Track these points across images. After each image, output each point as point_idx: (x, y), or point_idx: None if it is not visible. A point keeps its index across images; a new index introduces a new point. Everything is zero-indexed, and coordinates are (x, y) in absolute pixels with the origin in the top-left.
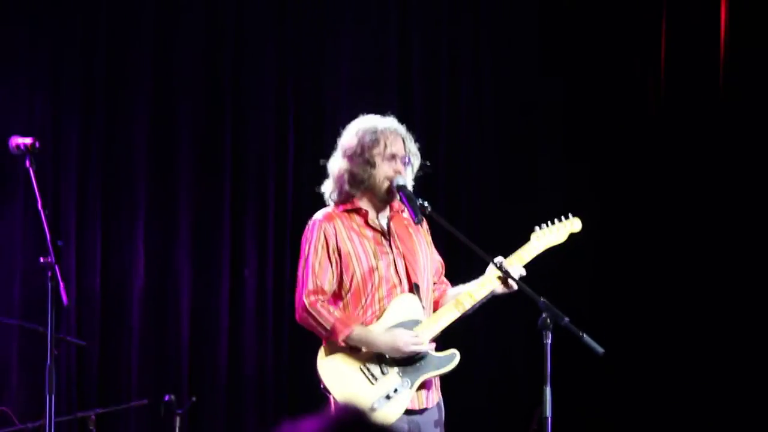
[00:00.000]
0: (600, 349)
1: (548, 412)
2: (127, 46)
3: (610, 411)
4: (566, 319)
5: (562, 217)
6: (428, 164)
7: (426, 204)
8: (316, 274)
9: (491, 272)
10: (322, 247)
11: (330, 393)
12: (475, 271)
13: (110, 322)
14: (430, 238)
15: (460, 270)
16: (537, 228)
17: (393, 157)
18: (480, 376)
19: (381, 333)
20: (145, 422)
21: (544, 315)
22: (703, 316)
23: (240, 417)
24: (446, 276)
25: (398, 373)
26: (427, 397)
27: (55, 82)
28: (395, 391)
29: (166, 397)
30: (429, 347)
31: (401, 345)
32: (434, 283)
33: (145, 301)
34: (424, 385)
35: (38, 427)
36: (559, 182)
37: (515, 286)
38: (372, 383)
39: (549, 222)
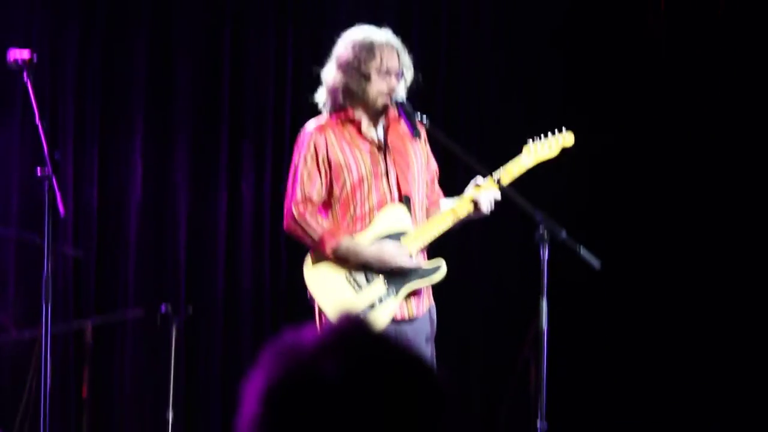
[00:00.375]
0: (597, 263)
1: (544, 325)
2: None
3: (605, 324)
4: (564, 232)
5: (556, 131)
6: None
7: (425, 119)
8: (304, 183)
9: (469, 191)
10: (312, 158)
11: (316, 301)
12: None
13: (107, 234)
14: (428, 147)
15: (457, 183)
16: (529, 141)
17: (388, 72)
18: (475, 290)
19: (368, 245)
20: (141, 332)
21: (541, 228)
22: (704, 229)
23: (237, 328)
24: (444, 190)
25: (384, 282)
26: (417, 306)
27: None
28: (380, 300)
29: (163, 308)
30: (415, 261)
31: (387, 258)
32: (427, 193)
33: (143, 213)
34: (413, 294)
35: (34, 337)
36: (559, 95)
37: (485, 211)
38: (357, 292)
39: (542, 135)
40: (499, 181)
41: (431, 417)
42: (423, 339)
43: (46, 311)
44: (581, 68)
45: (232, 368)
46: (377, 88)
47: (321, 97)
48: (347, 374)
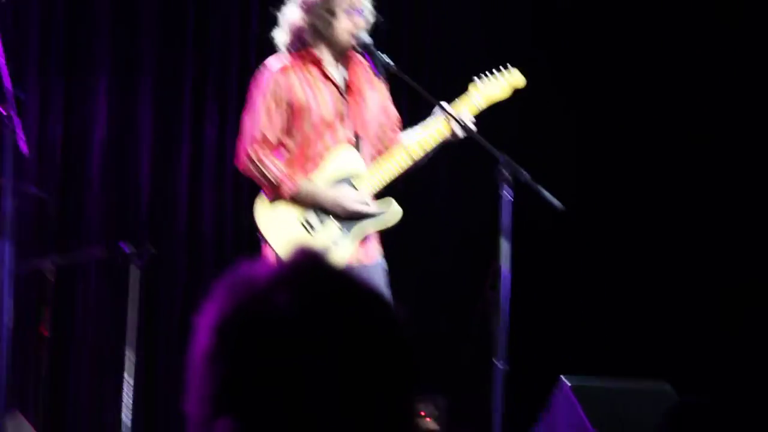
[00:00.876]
0: (560, 205)
1: (505, 265)
2: None
3: (567, 266)
4: (527, 174)
5: (501, 68)
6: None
7: (389, 61)
8: (263, 123)
9: (442, 120)
10: (272, 98)
11: (266, 241)
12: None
13: (70, 173)
14: (387, 93)
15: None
16: (476, 78)
17: (354, 9)
18: (438, 229)
19: (327, 189)
20: (103, 272)
21: (502, 168)
22: (666, 173)
23: (198, 268)
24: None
25: (336, 224)
26: (365, 253)
27: None
28: (334, 242)
29: (125, 248)
30: (373, 208)
31: (346, 203)
32: (387, 136)
33: (106, 152)
34: (363, 240)
35: None
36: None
37: (460, 135)
38: (310, 233)
39: (488, 72)
40: (461, 120)
41: (388, 353)
42: (376, 283)
43: (9, 250)
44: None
45: (194, 308)
46: (344, 25)
47: (281, 37)
48: (301, 307)
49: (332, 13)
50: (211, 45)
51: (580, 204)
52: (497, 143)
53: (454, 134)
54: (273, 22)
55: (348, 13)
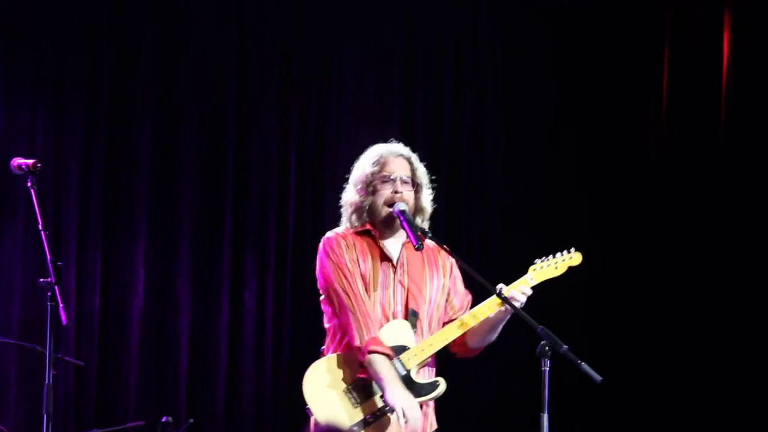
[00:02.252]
0: (598, 377)
1: None
2: (132, 68)
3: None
4: (565, 346)
5: (564, 252)
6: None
7: (427, 229)
8: (358, 297)
9: (492, 299)
10: (338, 256)
11: (311, 413)
12: (478, 299)
13: (109, 343)
14: (456, 272)
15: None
16: (537, 261)
17: (392, 178)
18: (477, 405)
19: (399, 385)
20: None
21: (543, 342)
22: (700, 350)
23: None
24: None
25: (381, 398)
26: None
27: (58, 102)
28: (374, 415)
29: (164, 419)
30: (413, 423)
31: (404, 408)
32: (456, 318)
33: (144, 322)
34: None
35: None
36: (561, 212)
37: (521, 301)
38: (354, 406)
39: (551, 255)
40: (501, 294)
41: None
42: None
43: (47, 422)
44: (583, 181)
45: None
46: (381, 196)
47: (342, 220)
48: None
49: (372, 186)
50: (249, 211)
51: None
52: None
53: (505, 309)
54: (310, 192)
55: (386, 181)
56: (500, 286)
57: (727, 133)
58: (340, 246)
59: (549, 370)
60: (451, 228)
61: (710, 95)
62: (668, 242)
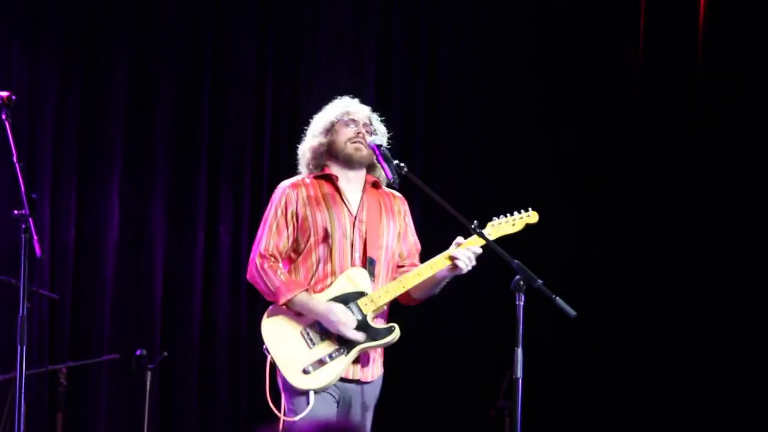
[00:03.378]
0: (572, 312)
1: (519, 374)
2: (108, 2)
3: (580, 374)
4: (540, 281)
5: (522, 211)
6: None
7: (402, 164)
8: (271, 236)
9: (444, 253)
10: (282, 212)
11: (269, 353)
12: (449, 240)
13: (83, 276)
14: (408, 220)
15: (432, 239)
16: (495, 218)
17: (353, 121)
18: (450, 339)
19: (321, 302)
20: (117, 376)
21: (517, 277)
22: (678, 285)
23: (211, 374)
24: (426, 242)
25: (336, 341)
26: (363, 371)
27: (33, 34)
28: (330, 356)
29: (138, 352)
30: (357, 335)
31: (334, 318)
32: (405, 266)
33: (119, 256)
34: (362, 358)
35: (9, 380)
36: (536, 160)
37: (463, 268)
38: (309, 347)
39: (507, 214)
40: (476, 229)
41: None
42: (360, 404)
43: (21, 354)
44: (555, 128)
45: (207, 414)
46: (343, 135)
47: (300, 165)
48: None
49: (332, 129)
50: (224, 147)
51: (593, 308)
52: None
53: (453, 268)
54: (287, 127)
55: (348, 123)
56: (458, 239)
57: (704, 71)
58: (286, 200)
59: (523, 305)
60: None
61: (687, 33)
62: (651, 186)
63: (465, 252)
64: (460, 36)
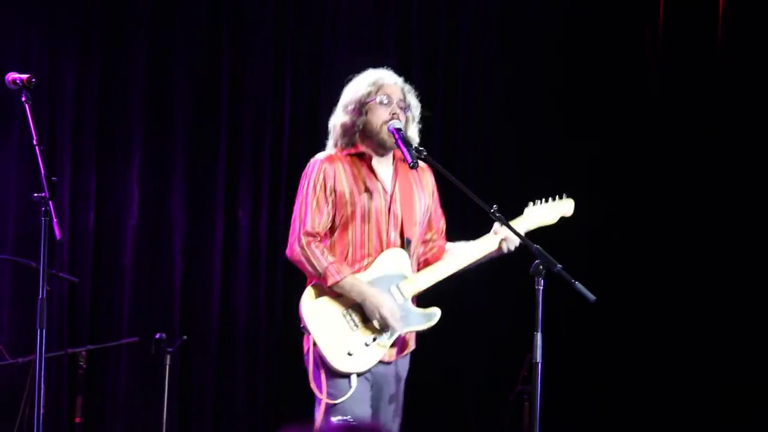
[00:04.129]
0: (592, 297)
1: (539, 358)
2: None
3: (600, 359)
4: (559, 265)
5: (556, 197)
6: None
7: (422, 149)
8: (313, 213)
9: (490, 235)
10: (321, 188)
11: (309, 332)
12: (469, 223)
13: (103, 260)
14: (436, 194)
15: (454, 222)
16: (531, 203)
17: (389, 100)
18: (471, 323)
19: (369, 288)
20: (136, 360)
21: (537, 261)
22: (696, 274)
23: (231, 358)
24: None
25: (378, 324)
26: (399, 348)
27: (53, 18)
28: (374, 340)
29: (157, 335)
30: (398, 333)
31: (383, 311)
32: (432, 240)
33: (139, 240)
34: (400, 338)
35: (29, 363)
36: (557, 150)
37: (511, 249)
38: (352, 329)
39: (543, 199)
40: (496, 214)
41: None
42: (394, 380)
43: (41, 336)
44: (577, 116)
45: (226, 398)
46: (378, 117)
47: (330, 141)
48: None
49: (366, 108)
50: (243, 131)
51: (613, 294)
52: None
53: (499, 250)
54: (306, 112)
55: (383, 104)
56: (495, 207)
57: (723, 56)
58: (324, 175)
59: (543, 289)
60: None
61: (707, 18)
62: (670, 175)
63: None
64: (480, 25)
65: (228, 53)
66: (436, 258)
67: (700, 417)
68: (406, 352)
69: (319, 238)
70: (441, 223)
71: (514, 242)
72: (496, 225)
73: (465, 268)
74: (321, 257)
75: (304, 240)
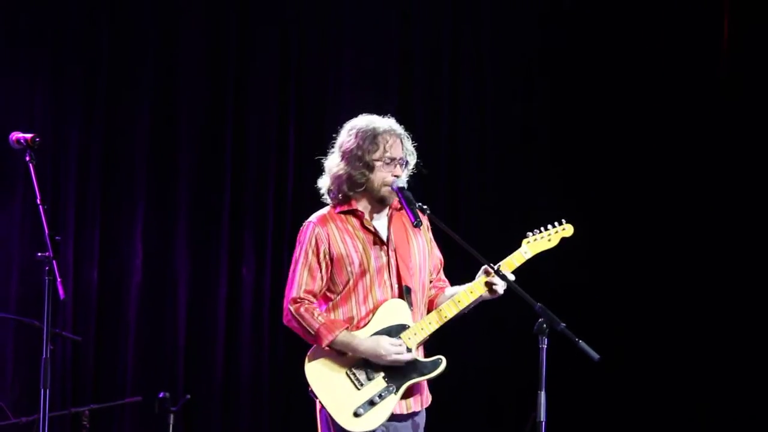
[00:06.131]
0: (596, 355)
1: (543, 417)
2: (130, 44)
3: (604, 417)
4: (562, 324)
5: (555, 224)
6: (424, 168)
7: (425, 207)
8: (304, 278)
9: (480, 279)
10: (313, 252)
11: (316, 396)
12: (472, 272)
13: (107, 318)
14: (430, 235)
15: (456, 271)
16: (529, 234)
17: (392, 161)
18: (474, 381)
19: (365, 339)
20: (139, 419)
21: (540, 320)
22: (700, 325)
23: (234, 416)
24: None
25: (384, 379)
26: (415, 402)
27: (56, 78)
28: (380, 396)
29: (161, 394)
30: (411, 355)
31: (383, 352)
32: (431, 281)
33: (142, 297)
34: (412, 390)
35: (32, 422)
36: (557, 188)
37: (500, 292)
38: (357, 388)
39: (542, 228)
40: (499, 272)
41: None
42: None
43: (45, 396)
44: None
45: None
46: (381, 177)
47: (324, 184)
48: None
49: (370, 166)
50: (247, 188)
51: (616, 350)
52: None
53: (490, 292)
54: (310, 169)
55: (386, 164)
56: (499, 264)
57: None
58: (317, 239)
59: (546, 348)
60: (448, 200)
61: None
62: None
63: (499, 279)
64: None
65: (231, 110)
66: (433, 302)
67: None
68: (421, 406)
69: (308, 302)
70: (436, 263)
71: (503, 285)
72: (481, 273)
73: (463, 311)
74: (311, 319)
75: (292, 307)
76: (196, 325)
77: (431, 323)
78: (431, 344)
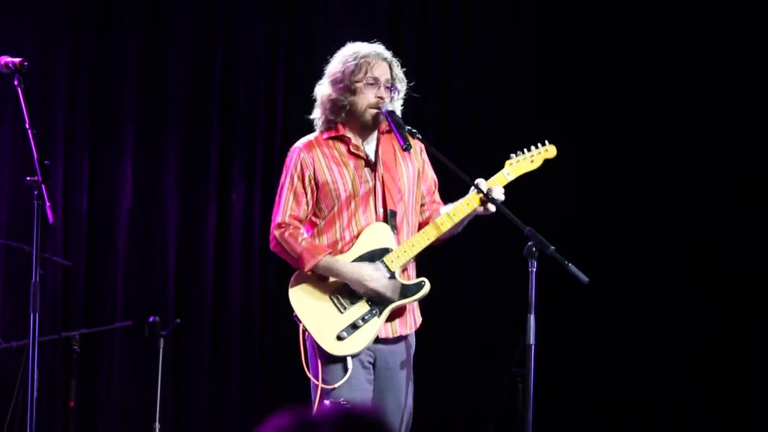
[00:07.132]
0: (585, 278)
1: (532, 340)
2: None
3: (593, 340)
4: (552, 247)
5: (539, 144)
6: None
7: (414, 130)
8: (289, 204)
9: (473, 193)
10: (299, 177)
11: (300, 320)
12: (462, 195)
13: (97, 243)
14: (424, 156)
15: (446, 193)
16: (512, 155)
17: (375, 81)
18: (463, 305)
19: (347, 264)
20: (129, 343)
21: (530, 243)
22: (689, 246)
23: (224, 341)
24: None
25: (367, 302)
26: (401, 325)
27: (46, 1)
28: (363, 319)
29: (151, 319)
30: (393, 285)
31: (365, 280)
32: (425, 204)
33: (132, 223)
34: (397, 313)
35: (22, 346)
36: (550, 108)
37: (492, 210)
38: (341, 312)
39: (525, 149)
40: (489, 195)
41: None
42: (399, 360)
43: (34, 320)
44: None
45: (219, 380)
46: (364, 99)
47: (315, 114)
48: None
49: (353, 89)
50: (237, 113)
51: (606, 274)
52: (523, 213)
53: (484, 208)
54: (299, 93)
55: (369, 85)
56: (479, 180)
57: None
58: (302, 164)
59: (536, 271)
60: (439, 129)
61: None
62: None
63: (497, 188)
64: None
65: (221, 35)
66: (427, 223)
67: (695, 395)
68: (412, 328)
69: (293, 226)
70: (430, 184)
71: (501, 194)
72: (479, 180)
73: (457, 226)
74: (295, 244)
75: (277, 232)
76: (186, 249)
77: (414, 245)
78: (423, 274)
